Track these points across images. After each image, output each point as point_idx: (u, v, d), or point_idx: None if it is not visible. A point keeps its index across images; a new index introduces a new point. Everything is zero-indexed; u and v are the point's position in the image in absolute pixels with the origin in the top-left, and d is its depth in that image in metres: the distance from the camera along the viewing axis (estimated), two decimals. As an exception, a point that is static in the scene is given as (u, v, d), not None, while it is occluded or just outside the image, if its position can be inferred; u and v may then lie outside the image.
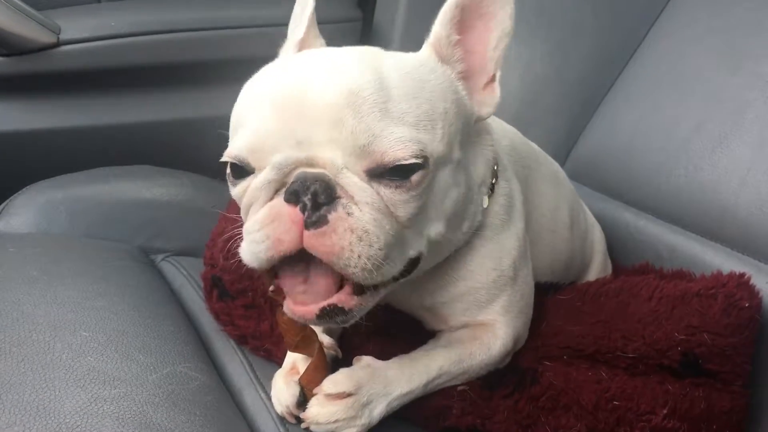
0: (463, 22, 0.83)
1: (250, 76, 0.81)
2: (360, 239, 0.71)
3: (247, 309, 1.02)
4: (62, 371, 0.80)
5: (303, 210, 0.71)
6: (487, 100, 0.86)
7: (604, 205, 1.44)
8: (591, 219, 1.36)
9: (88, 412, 0.74)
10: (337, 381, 0.83)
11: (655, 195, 1.33)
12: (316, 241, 0.70)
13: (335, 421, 0.82)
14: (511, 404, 0.89)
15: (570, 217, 1.17)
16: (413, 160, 0.72)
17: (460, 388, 0.90)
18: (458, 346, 0.90)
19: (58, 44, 1.46)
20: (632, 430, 0.88)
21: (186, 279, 1.20)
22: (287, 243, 0.71)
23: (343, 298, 0.74)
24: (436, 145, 0.76)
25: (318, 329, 0.92)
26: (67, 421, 0.72)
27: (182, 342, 0.95)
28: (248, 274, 1.04)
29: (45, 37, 1.45)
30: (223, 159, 0.76)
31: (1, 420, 0.71)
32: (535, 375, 0.93)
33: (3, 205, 1.30)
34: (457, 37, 0.83)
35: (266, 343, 0.99)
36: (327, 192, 0.71)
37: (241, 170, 0.75)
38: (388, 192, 0.73)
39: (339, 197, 0.71)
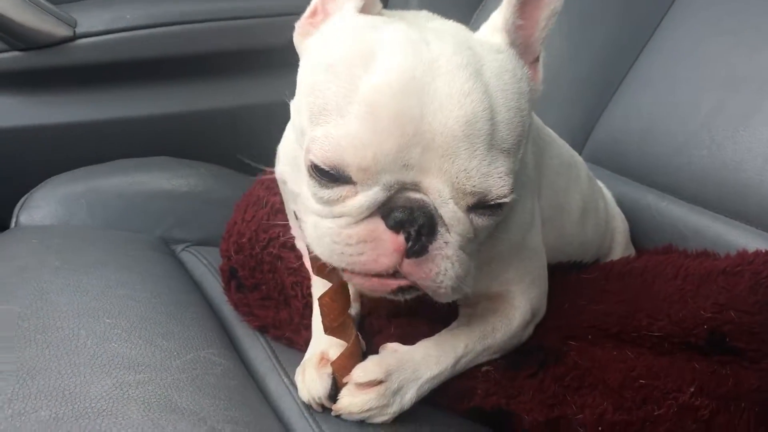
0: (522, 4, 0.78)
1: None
2: (453, 264, 0.73)
3: (264, 300, 1.02)
4: (87, 357, 0.80)
5: (407, 240, 0.70)
6: (534, 83, 0.82)
7: (625, 188, 1.42)
8: (614, 210, 1.34)
9: (114, 396, 0.74)
10: (367, 369, 0.83)
11: (677, 176, 1.32)
12: (414, 269, 0.72)
13: (368, 410, 0.82)
14: (536, 384, 0.89)
15: (582, 202, 1.16)
16: (512, 196, 0.72)
17: (484, 368, 0.90)
18: (480, 322, 0.90)
19: (74, 38, 1.46)
20: (659, 408, 0.87)
21: (207, 268, 1.21)
22: (385, 266, 0.71)
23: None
24: (518, 164, 0.75)
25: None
26: (94, 405, 0.72)
27: (205, 328, 0.96)
28: (259, 268, 1.04)
29: (61, 31, 1.45)
30: (314, 161, 0.70)
31: (27, 405, 0.72)
32: (560, 354, 0.93)
33: (24, 198, 1.30)
34: (521, 21, 0.78)
35: (287, 332, 0.99)
36: (430, 224, 0.71)
37: (331, 175, 0.71)
38: (479, 221, 0.73)
39: (437, 227, 0.71)
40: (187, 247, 1.30)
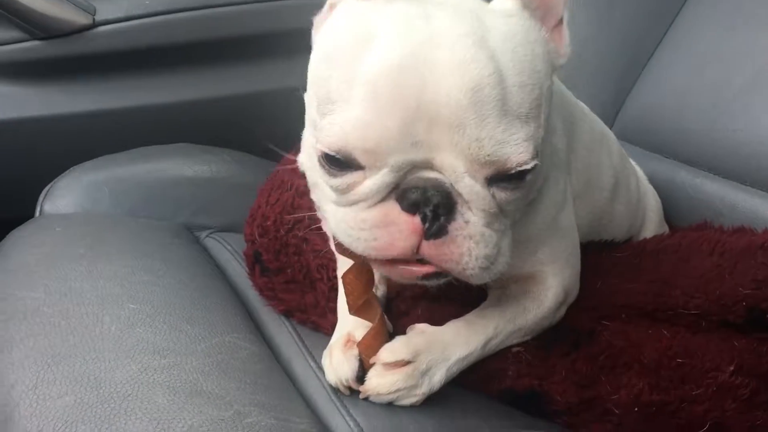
0: None
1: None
2: (477, 244, 0.69)
3: (289, 284, 1.01)
4: (111, 342, 0.80)
5: (423, 221, 0.68)
6: (557, 47, 0.79)
7: (657, 165, 1.39)
8: (646, 187, 1.31)
9: (139, 381, 0.73)
10: (394, 349, 0.81)
11: (712, 151, 1.28)
12: (434, 251, 0.68)
13: (396, 391, 0.80)
14: (569, 364, 0.86)
15: (614, 178, 1.12)
16: (533, 163, 0.68)
17: (514, 349, 0.88)
18: (511, 302, 0.88)
19: (94, 25, 1.45)
20: (698, 387, 0.84)
21: (231, 254, 1.19)
22: (402, 249, 0.68)
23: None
24: (540, 131, 0.71)
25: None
26: (119, 390, 0.72)
27: (229, 313, 0.94)
28: (284, 251, 1.02)
29: (81, 19, 1.44)
30: (322, 149, 0.68)
31: (53, 390, 0.71)
32: (593, 334, 0.90)
33: (48, 187, 1.30)
34: None
35: (312, 315, 0.97)
36: (447, 203, 0.68)
37: (340, 162, 0.69)
38: (502, 195, 0.70)
39: (457, 205, 0.68)
40: (210, 233, 1.29)
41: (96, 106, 1.51)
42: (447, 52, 0.65)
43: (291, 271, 1.00)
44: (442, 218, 0.68)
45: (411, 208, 0.68)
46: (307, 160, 0.84)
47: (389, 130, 0.65)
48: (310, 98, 0.75)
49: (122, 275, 0.96)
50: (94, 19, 1.46)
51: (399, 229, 0.68)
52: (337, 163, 0.68)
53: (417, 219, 0.68)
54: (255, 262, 1.05)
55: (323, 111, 0.69)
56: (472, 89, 0.64)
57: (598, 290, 0.97)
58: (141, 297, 0.90)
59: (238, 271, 1.13)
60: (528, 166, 0.68)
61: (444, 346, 0.83)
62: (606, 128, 1.19)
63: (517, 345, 0.88)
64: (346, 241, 0.72)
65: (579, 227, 0.99)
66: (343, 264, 0.90)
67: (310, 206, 1.02)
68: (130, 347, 0.79)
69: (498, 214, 0.71)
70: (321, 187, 0.75)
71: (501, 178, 0.69)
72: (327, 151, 0.68)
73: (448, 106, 0.64)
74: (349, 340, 0.85)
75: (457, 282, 0.75)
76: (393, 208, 0.69)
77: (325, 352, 0.87)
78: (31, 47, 1.45)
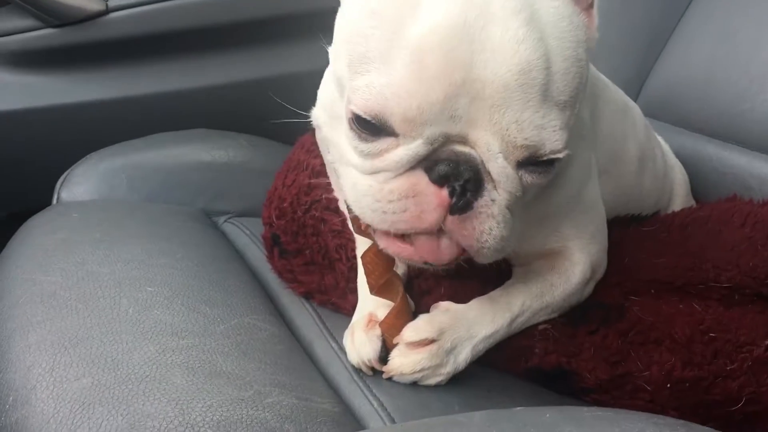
0: None
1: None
2: (498, 224, 0.68)
3: (308, 265, 0.99)
4: (129, 324, 0.78)
5: (451, 195, 0.66)
6: (589, 32, 0.75)
7: (683, 140, 1.36)
8: (672, 160, 1.28)
9: (158, 362, 0.72)
10: (418, 327, 0.79)
11: (740, 123, 1.25)
12: (458, 226, 0.67)
13: (420, 371, 0.78)
14: (598, 340, 0.84)
15: (639, 150, 1.09)
16: (565, 152, 0.67)
17: (541, 327, 0.85)
18: (537, 279, 0.85)
19: (107, 11, 1.43)
20: (732, 362, 0.82)
21: (250, 239, 1.18)
22: (428, 222, 0.67)
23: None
24: (573, 120, 0.69)
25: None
26: (137, 371, 0.70)
27: (249, 295, 0.93)
28: (302, 232, 1.00)
29: (94, 5, 1.42)
30: (356, 111, 0.65)
31: (69, 372, 0.70)
32: (622, 310, 0.87)
33: (65, 175, 1.29)
34: None
35: (333, 297, 0.95)
36: (477, 180, 0.66)
37: (373, 126, 0.66)
38: (529, 179, 0.68)
39: (484, 183, 0.67)
40: (229, 218, 1.28)
41: (110, 93, 1.49)
42: (499, 28, 0.63)
43: (310, 252, 0.98)
44: (469, 194, 0.66)
45: (441, 180, 0.66)
46: (326, 114, 0.80)
47: (431, 102, 0.63)
48: (338, 53, 0.72)
49: (140, 259, 0.94)
50: (107, 4, 1.44)
51: (426, 201, 0.66)
52: (370, 127, 0.66)
53: (445, 192, 0.66)
54: (273, 244, 1.03)
55: (357, 69, 0.66)
56: (520, 71, 0.63)
57: (626, 265, 0.94)
58: (159, 280, 0.89)
59: (257, 254, 1.11)
60: (560, 155, 0.67)
61: (469, 324, 0.81)
62: (629, 100, 1.16)
63: (544, 322, 0.86)
64: (366, 214, 0.69)
65: (605, 203, 0.97)
66: (363, 243, 0.89)
67: (327, 185, 1.00)
68: (148, 329, 0.77)
69: (520, 197, 0.70)
70: (341, 148, 0.72)
71: (532, 162, 0.67)
72: (361, 114, 0.65)
73: (493, 85, 0.62)
74: (371, 320, 0.83)
75: (467, 264, 0.73)
76: (421, 179, 0.66)
77: (347, 333, 0.85)
78: (44, 35, 1.43)
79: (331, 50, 0.74)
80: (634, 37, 1.48)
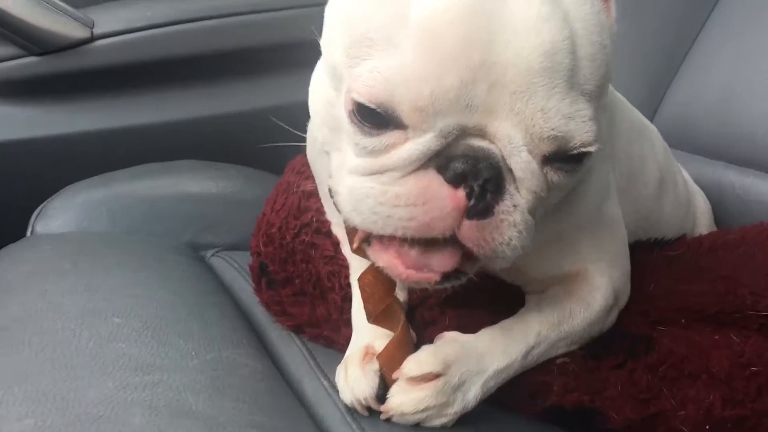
0: None
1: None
2: (519, 234, 0.60)
3: (297, 296, 0.89)
4: (87, 359, 0.68)
5: (469, 196, 0.57)
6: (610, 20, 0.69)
7: (702, 167, 1.29)
8: (694, 188, 1.21)
9: (114, 400, 0.62)
10: (421, 360, 0.69)
11: (762, 148, 1.18)
12: (474, 234, 0.58)
13: (424, 410, 0.68)
14: (625, 375, 0.74)
15: (659, 172, 1.01)
16: (596, 146, 0.59)
17: (559, 360, 0.75)
18: (554, 306, 0.75)
19: (92, 39, 1.37)
20: (780, 399, 0.72)
21: (238, 272, 1.08)
22: (439, 230, 0.58)
23: (463, 262, 0.62)
24: (600, 112, 0.61)
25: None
26: (90, 411, 0.60)
27: (230, 329, 0.83)
28: (291, 259, 0.91)
29: (78, 32, 1.35)
30: (358, 99, 0.57)
31: (11, 412, 0.60)
32: (650, 341, 0.77)
33: (41, 207, 1.20)
34: None
35: (325, 330, 0.86)
36: (497, 180, 0.58)
37: (378, 118, 0.58)
38: (555, 177, 0.60)
39: (505, 183, 0.58)
40: (217, 252, 1.18)
41: (95, 125, 1.42)
42: (521, 4, 0.55)
43: (299, 281, 0.88)
44: (489, 196, 0.58)
45: (457, 179, 0.57)
46: (317, 120, 0.70)
47: (446, 87, 0.54)
48: (331, 39, 0.64)
49: (110, 289, 0.85)
50: (92, 32, 1.38)
51: (440, 205, 0.57)
52: (374, 118, 0.57)
53: (461, 193, 0.57)
54: (261, 275, 0.94)
55: (356, 53, 0.58)
56: (545, 53, 0.55)
57: (651, 293, 0.85)
58: (128, 311, 0.79)
59: (245, 288, 1.02)
60: (592, 148, 0.59)
61: (479, 357, 0.71)
62: (647, 121, 1.09)
63: (563, 355, 0.76)
64: (368, 221, 0.59)
65: (625, 226, 0.88)
66: (358, 268, 0.80)
67: (318, 207, 0.92)
68: (109, 363, 0.67)
69: (544, 200, 0.61)
70: (342, 154, 0.63)
71: (559, 157, 0.59)
72: (365, 102, 0.56)
73: (516, 68, 0.55)
74: (367, 353, 0.73)
75: (470, 284, 0.65)
76: (433, 180, 0.58)
77: (339, 368, 0.75)
78: (25, 63, 1.36)
79: (323, 40, 0.66)
80: (645, 61, 1.42)
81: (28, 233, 1.17)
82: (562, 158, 0.59)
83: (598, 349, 0.77)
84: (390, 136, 0.58)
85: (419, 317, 0.80)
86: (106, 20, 1.40)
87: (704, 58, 1.35)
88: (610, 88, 0.93)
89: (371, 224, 0.60)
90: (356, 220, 0.61)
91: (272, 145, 1.16)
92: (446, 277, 0.62)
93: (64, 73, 1.38)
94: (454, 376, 0.68)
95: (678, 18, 1.39)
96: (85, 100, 1.42)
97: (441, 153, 0.57)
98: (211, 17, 1.46)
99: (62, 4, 1.35)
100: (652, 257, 0.90)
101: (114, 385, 0.63)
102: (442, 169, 0.57)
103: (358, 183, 0.60)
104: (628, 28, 1.42)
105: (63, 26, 1.35)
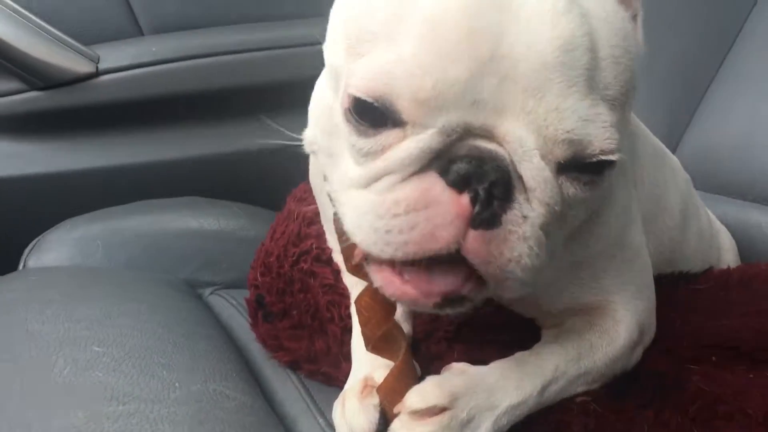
0: None
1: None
2: (530, 250, 0.53)
3: (295, 329, 0.84)
4: (59, 388, 0.63)
5: (474, 202, 0.52)
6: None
7: (725, 207, 1.23)
8: (717, 224, 1.14)
9: (83, 430, 0.55)
10: (425, 392, 0.62)
11: (788, 186, 1.12)
12: (479, 246, 0.52)
13: None
14: (652, 416, 0.66)
15: (682, 203, 0.95)
16: (618, 155, 0.53)
17: (579, 399, 0.68)
18: (573, 339, 0.69)
19: (97, 74, 1.35)
20: (827, 444, 0.64)
21: (236, 309, 1.03)
22: (443, 241, 0.52)
23: (469, 286, 0.55)
24: (625, 124, 0.57)
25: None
26: (53, 442, 0.54)
27: (220, 361, 0.77)
28: (289, 290, 0.86)
29: (83, 67, 1.33)
30: (355, 94, 0.52)
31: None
32: (679, 380, 0.70)
33: (35, 241, 1.16)
34: None
35: (323, 365, 0.80)
36: (505, 184, 0.52)
37: (376, 114, 0.53)
38: (571, 190, 0.54)
39: (515, 191, 0.53)
40: (216, 290, 1.13)
41: (96, 162, 1.38)
42: None
43: (297, 313, 0.83)
44: (496, 203, 0.52)
45: (460, 182, 0.51)
46: (321, 130, 0.64)
47: (450, 80, 0.50)
48: (334, 40, 0.59)
49: (95, 319, 0.79)
50: (97, 67, 1.36)
51: (443, 211, 0.51)
52: (372, 114, 0.52)
53: (465, 198, 0.51)
54: (258, 308, 0.88)
55: (358, 50, 0.53)
56: (561, 47, 0.50)
57: (679, 329, 0.78)
58: (111, 340, 0.73)
59: (242, 324, 0.96)
60: (613, 157, 0.53)
61: (490, 391, 0.64)
62: (667, 150, 1.03)
63: (583, 393, 0.69)
64: (369, 238, 0.53)
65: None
66: (357, 292, 0.73)
67: (319, 234, 0.86)
68: (83, 393, 0.62)
69: (561, 217, 0.55)
70: (342, 162, 0.58)
71: (576, 166, 0.53)
72: (362, 96, 0.52)
73: (528, 62, 0.50)
74: (366, 386, 0.66)
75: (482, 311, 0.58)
76: (435, 183, 0.52)
77: (336, 403, 0.68)
78: (29, 98, 1.33)
79: (326, 44, 0.62)
80: (664, 95, 1.37)
81: (20, 267, 1.12)
82: (579, 167, 0.53)
83: (622, 388, 0.70)
84: (387, 136, 0.53)
85: (425, 350, 0.74)
86: (111, 55, 1.38)
87: (726, 93, 1.30)
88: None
89: (371, 245, 0.54)
90: (357, 238, 0.55)
91: (276, 183, 1.12)
92: (448, 301, 0.55)
93: (68, 108, 1.35)
94: (462, 411, 0.61)
95: (697, 51, 1.35)
96: (87, 137, 1.38)
97: (443, 155, 0.52)
98: (216, 54, 1.43)
99: (68, 38, 1.33)
100: (677, 291, 0.83)
101: (84, 415, 0.58)
102: (443, 172, 0.52)
103: (360, 198, 0.55)
104: (647, 60, 1.39)
105: (68, 60, 1.33)
